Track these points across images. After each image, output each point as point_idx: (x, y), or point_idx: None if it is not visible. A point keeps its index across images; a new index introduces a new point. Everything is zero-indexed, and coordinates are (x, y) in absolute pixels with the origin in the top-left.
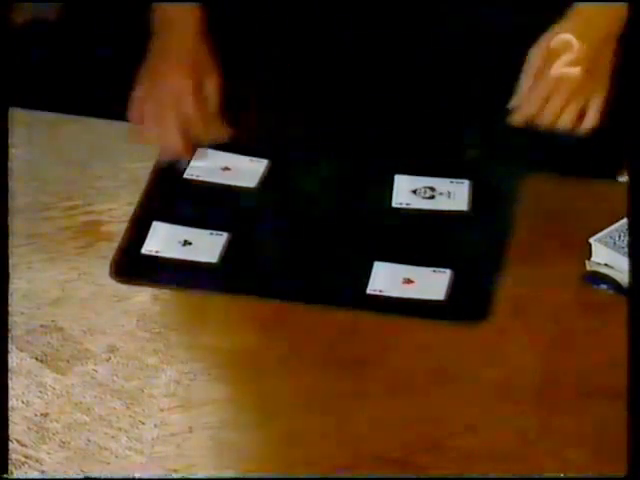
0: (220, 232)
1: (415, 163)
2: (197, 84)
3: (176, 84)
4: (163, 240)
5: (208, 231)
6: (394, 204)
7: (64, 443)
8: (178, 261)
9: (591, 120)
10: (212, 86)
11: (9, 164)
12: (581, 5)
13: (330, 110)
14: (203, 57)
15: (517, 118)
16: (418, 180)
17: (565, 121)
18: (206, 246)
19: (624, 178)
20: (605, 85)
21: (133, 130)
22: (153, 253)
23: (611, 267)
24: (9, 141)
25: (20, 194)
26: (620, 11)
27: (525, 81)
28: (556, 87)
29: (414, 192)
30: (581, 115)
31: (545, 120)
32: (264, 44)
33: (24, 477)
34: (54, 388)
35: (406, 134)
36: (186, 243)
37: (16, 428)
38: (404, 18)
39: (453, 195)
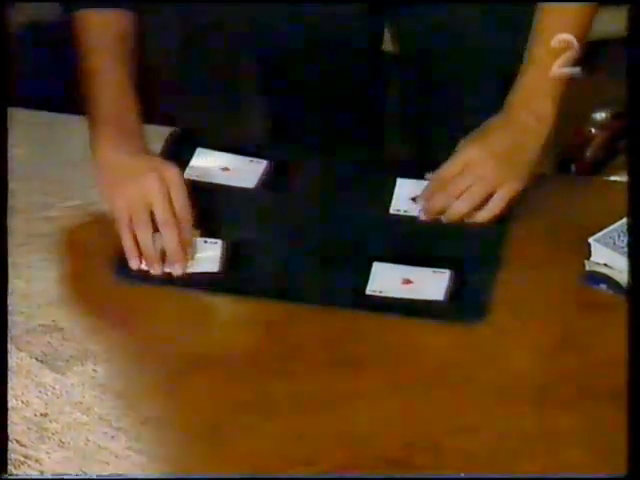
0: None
1: (417, 166)
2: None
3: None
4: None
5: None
6: (392, 210)
7: (63, 443)
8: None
9: (490, 209)
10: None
11: (9, 164)
12: (515, 98)
13: (330, 110)
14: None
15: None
16: (420, 185)
17: (460, 205)
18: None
19: (620, 178)
20: (521, 176)
21: (131, 248)
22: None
23: (610, 267)
24: (9, 141)
25: (20, 194)
26: (552, 111)
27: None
28: (461, 172)
29: (414, 200)
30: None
31: (442, 202)
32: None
33: (23, 477)
34: (54, 388)
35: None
36: None
37: (15, 428)
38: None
39: None
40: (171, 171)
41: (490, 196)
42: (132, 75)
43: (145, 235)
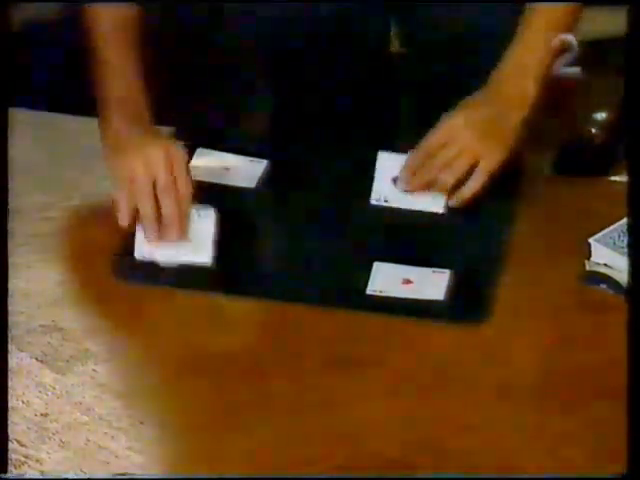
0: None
1: None
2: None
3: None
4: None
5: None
6: (373, 200)
7: (64, 443)
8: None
9: (471, 186)
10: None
11: (9, 164)
12: (499, 75)
13: (333, 110)
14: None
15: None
16: (401, 159)
17: (445, 178)
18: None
19: (620, 178)
20: (503, 147)
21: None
22: (146, 259)
23: (610, 267)
24: (9, 141)
25: (20, 194)
26: (533, 89)
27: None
28: (444, 144)
29: (394, 181)
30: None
31: (428, 175)
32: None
33: (23, 477)
34: (54, 388)
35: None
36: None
37: (16, 428)
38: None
39: None
40: (176, 147)
41: (473, 168)
42: (139, 63)
43: (146, 200)
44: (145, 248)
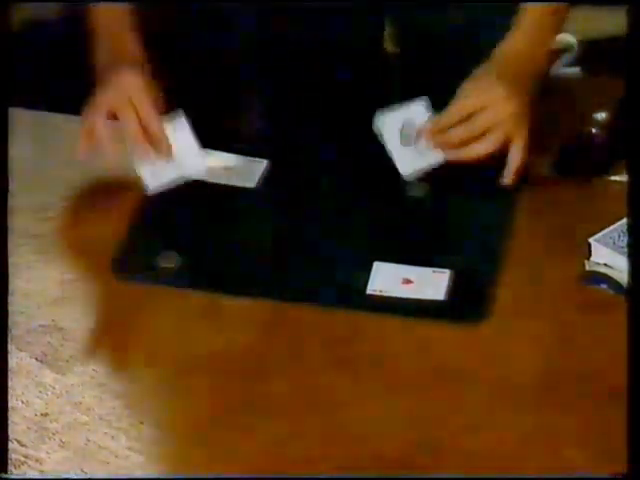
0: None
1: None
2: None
3: (130, 86)
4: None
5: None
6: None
7: (64, 443)
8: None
9: (515, 155)
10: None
11: (9, 164)
12: (503, 45)
13: (330, 109)
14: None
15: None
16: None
17: (480, 148)
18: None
19: (620, 178)
20: (526, 125)
21: (82, 141)
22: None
23: (610, 267)
24: (9, 141)
25: (20, 194)
26: (541, 49)
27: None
28: (482, 109)
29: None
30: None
31: (462, 137)
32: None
33: (23, 477)
34: (54, 388)
35: None
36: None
37: (16, 428)
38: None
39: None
40: (132, 80)
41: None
42: (132, 18)
43: (99, 118)
44: (151, 178)
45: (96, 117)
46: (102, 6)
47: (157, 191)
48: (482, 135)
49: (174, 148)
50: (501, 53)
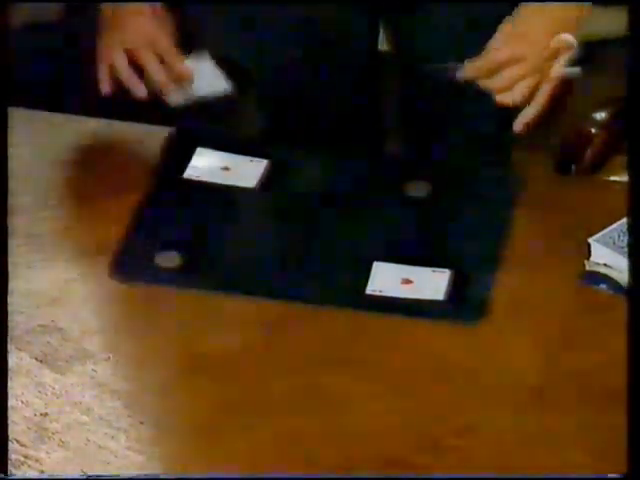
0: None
1: (416, 166)
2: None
3: (144, 26)
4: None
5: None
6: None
7: (63, 443)
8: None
9: (540, 99)
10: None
11: (9, 164)
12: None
13: (329, 110)
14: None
15: (468, 71)
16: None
17: (515, 95)
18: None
19: (620, 178)
20: (558, 66)
21: (103, 76)
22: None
23: (610, 267)
24: (9, 141)
25: (20, 194)
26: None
27: (493, 43)
28: (515, 60)
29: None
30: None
31: (495, 84)
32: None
33: (23, 477)
34: (53, 388)
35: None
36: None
37: (15, 428)
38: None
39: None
40: (145, 20)
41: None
42: None
43: (119, 56)
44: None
45: (114, 54)
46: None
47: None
48: (512, 85)
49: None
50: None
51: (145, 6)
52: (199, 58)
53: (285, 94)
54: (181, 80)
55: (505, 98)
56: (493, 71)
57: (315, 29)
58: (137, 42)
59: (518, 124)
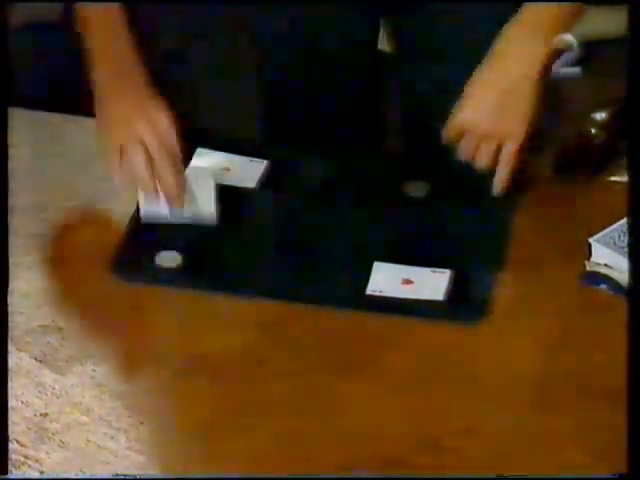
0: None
1: (416, 166)
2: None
3: (159, 125)
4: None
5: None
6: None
7: (63, 443)
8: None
9: (504, 164)
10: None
11: (9, 164)
12: (500, 47)
13: (329, 110)
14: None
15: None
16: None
17: (479, 163)
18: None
19: (620, 178)
20: (521, 124)
21: (117, 168)
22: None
23: (611, 267)
24: (9, 141)
25: (20, 194)
26: (542, 50)
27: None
28: (466, 131)
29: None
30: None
31: (461, 153)
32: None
33: (23, 477)
34: (53, 388)
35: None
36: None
37: (15, 428)
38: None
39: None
40: (161, 115)
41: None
42: (126, 23)
43: (138, 158)
44: (149, 209)
45: (133, 152)
46: (95, 16)
47: (150, 222)
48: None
49: (190, 194)
50: (498, 52)
51: (155, 100)
52: (200, 174)
53: (285, 94)
54: (171, 196)
55: (475, 164)
56: (459, 136)
57: (315, 29)
58: (152, 143)
59: (496, 189)
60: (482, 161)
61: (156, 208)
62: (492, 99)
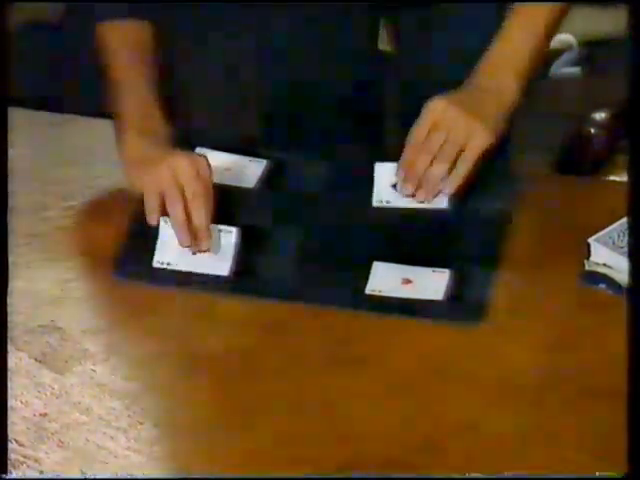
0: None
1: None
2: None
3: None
4: (172, 248)
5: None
6: (375, 203)
7: (63, 443)
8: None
9: (465, 162)
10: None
11: (9, 164)
12: (477, 67)
13: (329, 109)
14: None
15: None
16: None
17: (438, 168)
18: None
19: (620, 178)
20: (488, 128)
21: (154, 208)
22: (165, 266)
23: (610, 267)
24: (9, 141)
25: (20, 194)
26: (523, 60)
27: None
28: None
29: (394, 187)
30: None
31: (421, 167)
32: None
33: (23, 477)
34: (53, 388)
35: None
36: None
37: (15, 428)
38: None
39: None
40: (199, 156)
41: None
42: (154, 80)
43: (177, 208)
44: (166, 256)
45: (170, 194)
46: (119, 51)
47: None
48: (435, 157)
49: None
50: (480, 65)
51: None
52: (226, 232)
53: (285, 94)
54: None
55: (431, 176)
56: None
57: (315, 29)
58: (194, 192)
59: (449, 187)
60: (445, 160)
61: (171, 251)
62: (464, 100)
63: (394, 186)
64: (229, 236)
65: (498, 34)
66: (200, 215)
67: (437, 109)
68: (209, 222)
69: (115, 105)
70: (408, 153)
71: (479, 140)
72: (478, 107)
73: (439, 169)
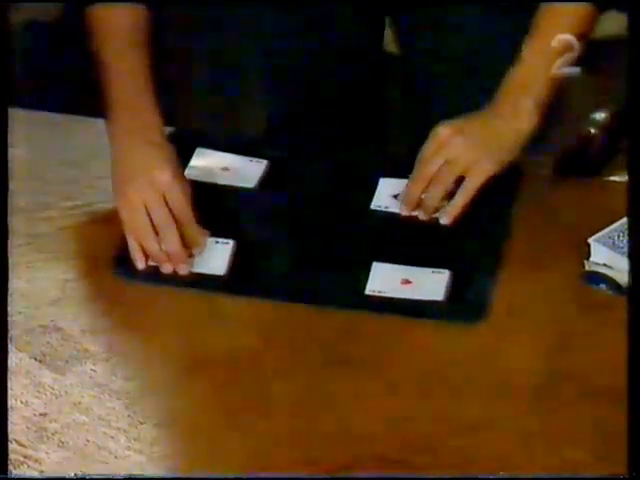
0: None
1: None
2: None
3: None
4: None
5: (214, 239)
6: (373, 206)
7: (63, 443)
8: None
9: (463, 194)
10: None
11: (9, 164)
12: (498, 93)
13: (330, 109)
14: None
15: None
16: (403, 183)
17: (434, 191)
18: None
19: (620, 178)
20: (494, 159)
21: (137, 254)
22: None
23: (610, 267)
24: (9, 141)
25: (20, 194)
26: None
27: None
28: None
29: (395, 197)
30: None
31: (418, 189)
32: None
33: (23, 477)
34: (53, 388)
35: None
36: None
37: (15, 428)
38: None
39: None
40: (163, 176)
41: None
42: (146, 63)
43: (147, 238)
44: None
45: (145, 236)
46: (112, 35)
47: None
48: (434, 179)
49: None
50: (499, 91)
51: (170, 161)
52: (221, 240)
53: (288, 94)
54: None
55: (427, 200)
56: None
57: (319, 29)
58: (160, 224)
59: (446, 218)
60: (440, 186)
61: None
62: (475, 128)
63: (395, 196)
64: (225, 249)
65: (516, 58)
66: (170, 242)
67: (443, 134)
68: (180, 247)
69: (105, 88)
70: (415, 171)
71: (480, 174)
72: (487, 136)
73: (435, 192)
